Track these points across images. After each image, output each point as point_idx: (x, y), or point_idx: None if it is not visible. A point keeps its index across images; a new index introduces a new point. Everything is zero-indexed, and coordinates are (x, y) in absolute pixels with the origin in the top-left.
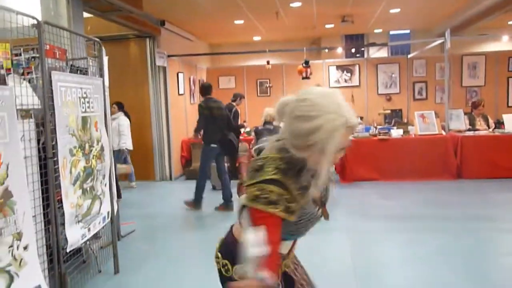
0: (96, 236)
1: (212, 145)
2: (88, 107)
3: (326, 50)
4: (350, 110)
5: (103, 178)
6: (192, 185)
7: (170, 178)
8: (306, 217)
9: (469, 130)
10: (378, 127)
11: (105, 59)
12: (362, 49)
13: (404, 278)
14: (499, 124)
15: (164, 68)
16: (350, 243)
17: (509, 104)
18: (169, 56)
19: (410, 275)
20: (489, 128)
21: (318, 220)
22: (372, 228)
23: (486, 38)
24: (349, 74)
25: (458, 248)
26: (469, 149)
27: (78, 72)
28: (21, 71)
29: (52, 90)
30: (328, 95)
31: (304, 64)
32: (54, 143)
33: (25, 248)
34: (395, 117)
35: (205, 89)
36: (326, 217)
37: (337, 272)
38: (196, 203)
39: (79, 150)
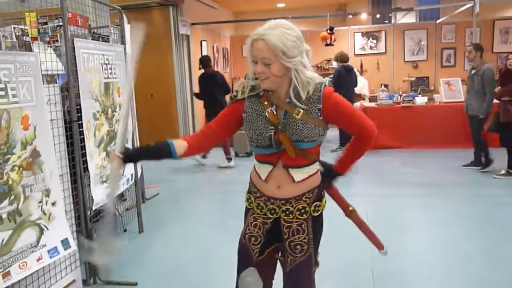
0: (122, 199)
1: None
2: (111, 73)
3: (350, 16)
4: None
5: (126, 142)
6: (217, 153)
7: None
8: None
9: None
10: (403, 94)
11: (127, 27)
12: (390, 14)
13: (419, 241)
14: None
15: (188, 37)
16: (368, 207)
17: None
18: (192, 24)
19: (425, 238)
20: None
21: (266, 139)
22: (390, 193)
23: None
24: (374, 41)
25: (472, 214)
26: None
27: (100, 39)
28: (47, 39)
29: (75, 56)
30: None
31: (328, 31)
32: (78, 107)
33: (53, 204)
34: (421, 84)
35: None
36: (289, 151)
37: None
38: None
39: (102, 114)
